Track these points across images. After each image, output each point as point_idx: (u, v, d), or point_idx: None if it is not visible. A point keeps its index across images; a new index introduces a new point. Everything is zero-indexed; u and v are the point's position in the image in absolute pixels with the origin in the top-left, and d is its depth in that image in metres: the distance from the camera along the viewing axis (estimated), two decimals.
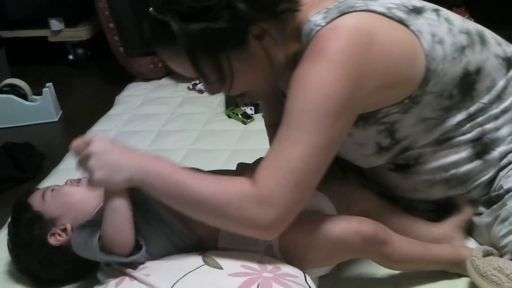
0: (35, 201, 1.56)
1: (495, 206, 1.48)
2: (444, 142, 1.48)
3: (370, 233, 1.38)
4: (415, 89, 1.41)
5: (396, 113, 1.43)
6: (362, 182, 1.63)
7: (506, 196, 1.46)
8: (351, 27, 1.34)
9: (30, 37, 3.28)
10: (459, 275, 1.48)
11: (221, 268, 1.35)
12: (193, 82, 2.77)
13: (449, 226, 1.55)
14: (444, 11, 1.49)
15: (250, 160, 1.55)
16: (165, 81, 2.92)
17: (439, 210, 1.59)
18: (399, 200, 1.60)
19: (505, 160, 1.50)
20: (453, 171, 1.51)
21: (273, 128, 1.48)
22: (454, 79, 1.44)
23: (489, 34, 1.54)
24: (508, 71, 1.51)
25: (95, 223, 1.43)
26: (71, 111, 2.80)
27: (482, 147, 1.49)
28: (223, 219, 1.33)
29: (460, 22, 1.49)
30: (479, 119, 1.48)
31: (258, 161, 1.38)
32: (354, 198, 1.56)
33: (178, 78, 2.85)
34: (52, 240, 1.52)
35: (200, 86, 2.73)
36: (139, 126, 2.48)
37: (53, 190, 1.56)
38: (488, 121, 1.49)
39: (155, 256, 1.43)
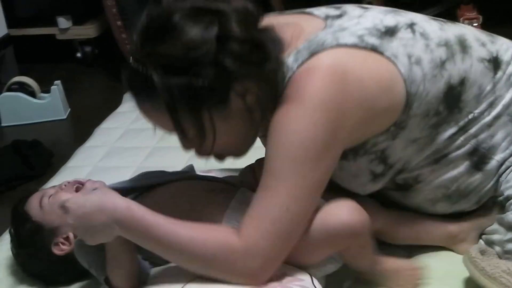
0: (33, 209, 1.53)
1: (500, 216, 1.47)
2: (441, 159, 1.45)
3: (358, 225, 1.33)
4: (399, 115, 1.37)
5: (384, 141, 1.39)
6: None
7: (507, 204, 1.46)
8: (324, 67, 1.30)
9: (38, 35, 3.30)
10: None
11: None
12: None
13: (467, 225, 1.54)
14: (420, 25, 1.43)
15: None
16: None
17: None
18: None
19: (503, 167, 1.47)
20: (454, 187, 1.49)
21: None
22: (438, 97, 1.39)
23: (471, 36, 1.48)
24: (495, 73, 1.46)
25: None
26: (79, 108, 2.81)
27: (479, 158, 1.46)
28: (208, 269, 1.29)
29: (438, 33, 1.43)
30: (472, 131, 1.44)
31: None
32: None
33: None
34: (56, 250, 1.51)
35: None
36: (147, 124, 2.46)
37: (50, 196, 1.52)
38: (481, 130, 1.45)
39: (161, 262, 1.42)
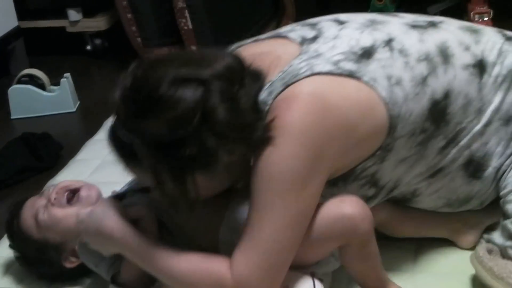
0: (31, 228, 1.53)
1: (503, 223, 1.46)
2: (437, 173, 1.43)
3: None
4: (384, 139, 1.34)
5: (373, 165, 1.37)
6: None
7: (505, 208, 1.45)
8: (301, 97, 1.27)
9: (48, 27, 3.30)
10: None
11: None
12: None
13: (470, 218, 1.54)
14: (398, 40, 1.39)
15: None
16: None
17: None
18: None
19: (500, 172, 1.46)
20: (454, 197, 1.48)
21: None
22: (423, 114, 1.36)
23: (454, 41, 1.42)
24: (481, 78, 1.42)
25: None
26: (89, 101, 2.81)
27: (475, 168, 1.44)
28: None
29: (417, 46, 1.39)
30: (463, 142, 1.41)
31: None
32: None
33: None
34: (67, 264, 1.54)
35: None
36: None
37: (43, 209, 1.51)
38: (473, 140, 1.42)
39: None
